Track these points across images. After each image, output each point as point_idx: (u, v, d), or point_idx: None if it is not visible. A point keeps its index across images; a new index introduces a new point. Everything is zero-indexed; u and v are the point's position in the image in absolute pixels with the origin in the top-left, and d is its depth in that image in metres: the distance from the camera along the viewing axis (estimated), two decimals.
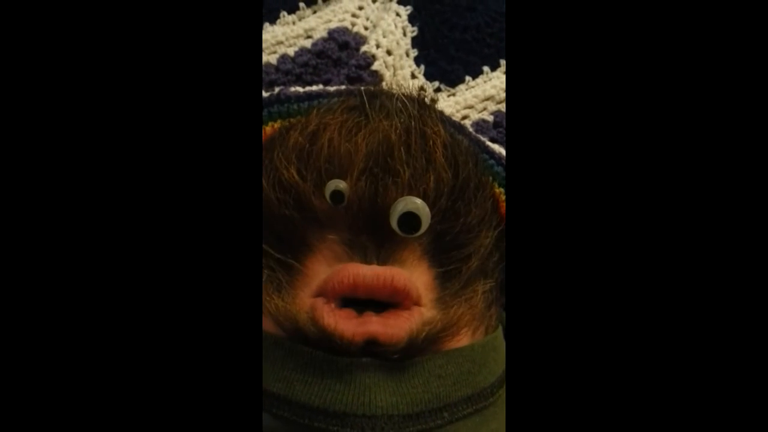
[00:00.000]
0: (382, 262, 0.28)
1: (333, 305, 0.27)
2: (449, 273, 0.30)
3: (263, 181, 0.30)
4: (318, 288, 0.28)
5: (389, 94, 0.32)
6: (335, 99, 0.32)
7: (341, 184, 0.28)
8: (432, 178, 0.28)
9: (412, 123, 0.30)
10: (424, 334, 0.27)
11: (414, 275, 0.29)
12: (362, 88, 0.33)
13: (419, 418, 0.26)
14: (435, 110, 0.32)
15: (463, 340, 0.29)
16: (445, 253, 0.30)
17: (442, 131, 0.30)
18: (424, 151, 0.29)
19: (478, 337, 0.30)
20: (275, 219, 0.29)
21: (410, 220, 0.27)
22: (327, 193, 0.28)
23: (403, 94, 0.32)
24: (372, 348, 0.26)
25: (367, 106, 0.30)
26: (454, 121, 0.35)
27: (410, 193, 0.28)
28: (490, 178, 0.33)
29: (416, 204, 0.27)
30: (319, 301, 0.28)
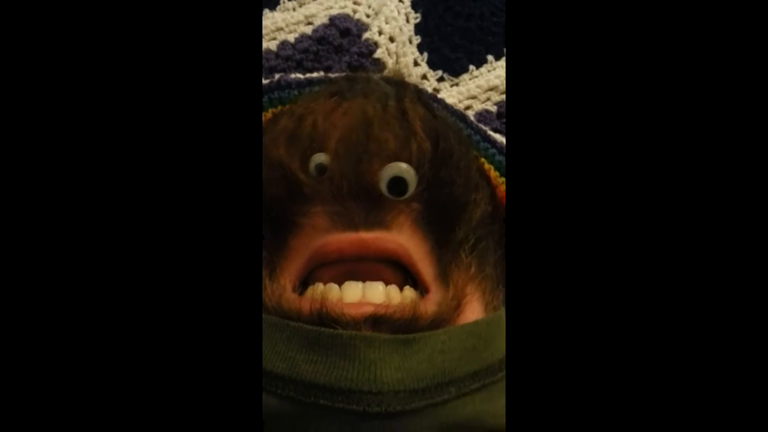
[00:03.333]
0: (369, 228, 0.29)
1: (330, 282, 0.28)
2: (443, 243, 0.30)
3: None
4: (304, 264, 0.29)
5: (367, 78, 0.33)
6: (320, 86, 0.33)
7: (323, 157, 0.29)
8: (414, 147, 0.29)
9: (389, 101, 0.31)
10: (430, 319, 0.28)
11: (410, 244, 0.30)
12: (343, 75, 0.34)
13: (425, 392, 0.26)
14: (413, 88, 0.33)
15: (468, 317, 0.30)
16: (437, 223, 0.31)
17: (419, 107, 0.31)
18: (402, 125, 0.30)
19: (482, 315, 0.31)
20: (263, 200, 0.30)
21: (397, 183, 0.28)
22: (311, 167, 0.29)
23: (381, 77, 0.33)
24: (375, 320, 0.27)
25: (345, 90, 0.32)
26: (453, 108, 0.35)
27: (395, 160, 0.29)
28: (475, 153, 0.34)
29: (401, 168, 0.28)
30: (319, 294, 0.28)
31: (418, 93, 0.33)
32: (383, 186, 0.28)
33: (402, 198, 0.28)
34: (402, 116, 0.30)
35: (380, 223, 0.29)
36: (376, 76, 0.33)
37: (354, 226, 0.29)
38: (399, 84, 0.33)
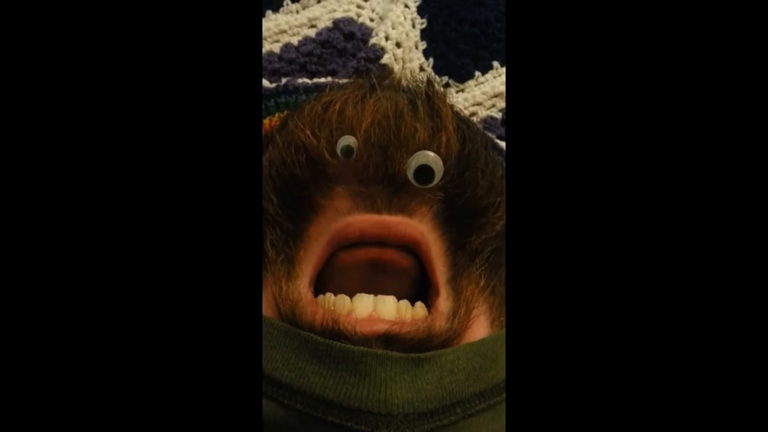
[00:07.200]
0: (391, 212, 0.29)
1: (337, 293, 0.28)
2: (459, 247, 0.30)
3: (274, 151, 0.31)
4: (324, 250, 0.29)
5: (398, 78, 0.33)
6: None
7: (351, 139, 0.29)
8: (444, 140, 0.29)
9: (419, 98, 0.31)
10: (444, 337, 0.27)
11: (429, 237, 0.29)
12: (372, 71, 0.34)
13: (433, 415, 0.25)
14: (442, 92, 0.33)
15: (475, 333, 0.29)
16: (456, 224, 0.30)
17: (449, 108, 0.31)
18: (433, 119, 0.30)
19: (488, 331, 0.30)
20: (285, 181, 0.30)
21: (424, 171, 0.28)
22: (338, 149, 0.29)
23: (412, 78, 0.33)
24: (387, 339, 0.26)
25: (376, 84, 0.32)
26: (462, 115, 0.35)
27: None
28: (500, 159, 0.34)
29: (429, 157, 0.28)
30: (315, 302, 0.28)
31: (447, 98, 0.34)
32: (410, 173, 0.28)
33: (427, 186, 0.28)
34: (432, 112, 0.30)
35: (403, 209, 0.29)
36: (406, 78, 0.33)
37: (377, 209, 0.29)
38: (429, 83, 0.33)
